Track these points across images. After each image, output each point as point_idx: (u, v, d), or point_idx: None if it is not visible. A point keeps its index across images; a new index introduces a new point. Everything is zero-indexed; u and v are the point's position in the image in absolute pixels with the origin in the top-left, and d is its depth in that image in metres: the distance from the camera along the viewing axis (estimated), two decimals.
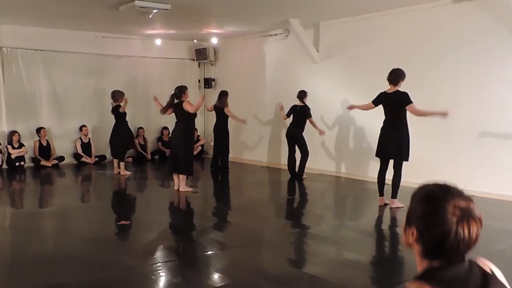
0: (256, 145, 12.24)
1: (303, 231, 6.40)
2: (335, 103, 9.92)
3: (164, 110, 8.43)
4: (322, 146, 10.48)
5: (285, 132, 10.22)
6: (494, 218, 6.56)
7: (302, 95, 9.53)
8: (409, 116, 6.94)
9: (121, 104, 10.26)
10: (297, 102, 9.62)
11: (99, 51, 11.88)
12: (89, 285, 4.27)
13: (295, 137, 9.60)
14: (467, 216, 1.47)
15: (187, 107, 8.15)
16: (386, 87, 7.08)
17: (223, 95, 10.21)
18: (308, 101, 9.53)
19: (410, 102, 6.79)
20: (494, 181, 7.66)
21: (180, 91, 8.28)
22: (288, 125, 9.86)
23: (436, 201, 1.51)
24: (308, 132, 9.69)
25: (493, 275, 1.55)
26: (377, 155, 7.31)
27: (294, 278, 4.59)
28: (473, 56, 7.86)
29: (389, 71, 7.01)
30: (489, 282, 1.52)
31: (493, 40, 7.61)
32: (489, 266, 1.58)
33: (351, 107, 7.79)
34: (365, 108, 7.48)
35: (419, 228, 1.54)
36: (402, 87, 6.99)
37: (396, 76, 6.94)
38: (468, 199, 1.52)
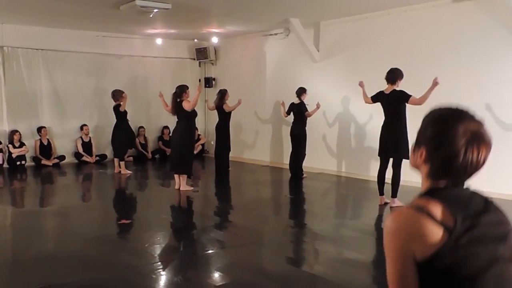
0: (256, 144, 12.25)
1: (303, 230, 6.42)
2: (336, 102, 9.93)
3: (172, 111, 8.44)
4: (322, 145, 10.49)
5: (286, 131, 10.22)
6: None
7: (299, 92, 9.54)
8: (409, 114, 6.95)
9: (121, 103, 10.27)
10: (296, 99, 9.65)
11: (100, 50, 11.89)
12: (89, 284, 4.28)
13: (298, 135, 9.61)
14: (477, 139, 1.49)
15: (185, 105, 8.16)
16: (386, 86, 7.11)
17: (222, 93, 10.22)
18: (308, 100, 9.53)
19: (409, 96, 6.82)
20: (494, 180, 7.66)
21: (181, 90, 8.30)
22: (291, 123, 9.86)
23: (447, 122, 1.53)
24: (310, 132, 9.70)
25: (492, 202, 1.56)
26: (379, 154, 7.34)
27: (295, 277, 4.60)
28: (473, 55, 7.87)
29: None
30: (490, 207, 1.52)
31: (493, 39, 7.61)
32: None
33: (361, 84, 7.72)
34: (365, 97, 7.49)
35: (428, 148, 1.54)
36: (402, 86, 7.01)
37: (394, 75, 6.97)
38: (480, 123, 1.54)
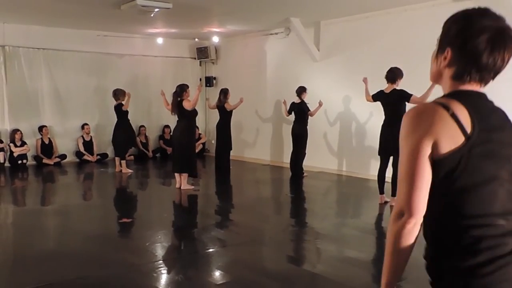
0: (257, 143, 12.27)
1: (304, 228, 6.44)
2: (336, 101, 9.94)
3: (173, 110, 8.46)
4: (323, 144, 10.51)
5: (286, 130, 10.24)
6: None
7: (299, 91, 9.55)
8: None
9: (123, 102, 10.29)
10: (296, 99, 9.67)
11: (101, 49, 11.91)
12: (91, 283, 4.30)
13: (299, 135, 9.62)
14: (501, 34, 1.51)
15: (185, 104, 8.19)
16: (386, 85, 7.12)
17: (223, 93, 10.24)
18: (308, 99, 9.55)
19: (410, 95, 6.83)
20: None
21: (182, 89, 8.32)
22: (292, 122, 9.88)
23: (472, 17, 1.54)
24: (311, 131, 9.72)
25: (510, 122, 1.61)
26: (379, 153, 7.36)
27: (295, 275, 4.62)
28: None
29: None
30: (507, 126, 1.58)
31: None
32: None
33: (365, 81, 7.74)
34: (367, 95, 7.51)
35: (453, 47, 1.55)
36: (403, 85, 7.02)
37: (394, 74, 6.98)
38: (503, 19, 1.56)
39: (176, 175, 8.46)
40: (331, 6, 8.78)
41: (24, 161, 11.02)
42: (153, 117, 12.96)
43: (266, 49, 11.86)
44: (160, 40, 12.55)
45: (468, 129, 1.44)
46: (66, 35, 11.38)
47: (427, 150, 1.44)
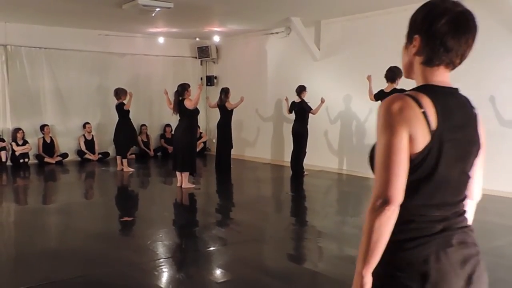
0: (258, 142, 12.30)
1: (304, 227, 6.47)
2: (336, 100, 9.97)
3: (174, 110, 8.48)
4: (324, 143, 10.54)
5: (287, 129, 10.26)
6: (494, 214, 6.63)
7: (299, 90, 9.58)
8: None
9: (124, 101, 10.33)
10: (296, 98, 9.70)
11: (103, 49, 11.95)
12: (92, 281, 4.32)
13: (299, 134, 9.64)
14: (462, 18, 1.64)
15: (187, 104, 8.22)
16: (386, 84, 7.15)
17: (224, 92, 10.26)
18: (308, 98, 9.57)
19: None
20: (494, 178, 7.71)
21: (183, 88, 8.35)
22: (293, 121, 9.90)
23: (433, 3, 1.66)
24: (312, 130, 9.74)
25: (476, 117, 1.72)
26: None
27: (296, 274, 4.64)
28: (473, 54, 7.89)
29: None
30: (471, 124, 1.69)
31: (493, 38, 7.65)
32: (476, 109, 1.74)
33: (369, 78, 7.78)
34: (370, 93, 7.57)
35: (421, 32, 1.67)
36: (403, 84, 7.04)
37: (393, 74, 7.01)
38: (463, 6, 1.66)
39: (177, 173, 8.49)
40: (332, 5, 8.81)
41: (26, 160, 11.06)
42: (155, 116, 13.00)
43: (266, 48, 11.89)
44: (161, 40, 12.58)
45: (434, 127, 1.56)
46: (68, 34, 11.42)
47: (405, 140, 1.54)
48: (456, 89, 1.70)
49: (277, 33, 11.39)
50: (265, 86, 11.94)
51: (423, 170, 1.58)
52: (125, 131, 10.49)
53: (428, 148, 1.56)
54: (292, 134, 9.80)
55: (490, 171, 7.87)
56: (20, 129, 10.99)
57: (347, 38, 9.87)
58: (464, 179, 1.70)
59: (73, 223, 6.55)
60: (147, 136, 12.79)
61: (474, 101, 1.73)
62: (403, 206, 1.57)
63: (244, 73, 12.49)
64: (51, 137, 11.46)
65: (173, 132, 10.44)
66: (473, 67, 7.94)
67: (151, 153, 12.73)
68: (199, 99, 8.45)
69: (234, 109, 10.30)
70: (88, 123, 11.86)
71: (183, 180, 8.41)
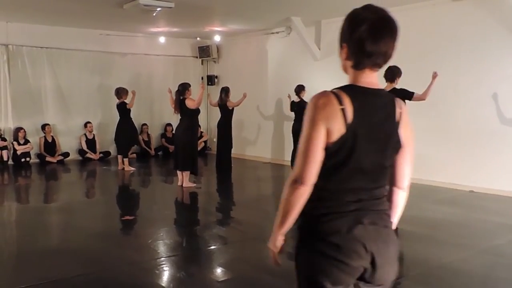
0: (258, 141, 12.32)
1: None
2: None
3: (175, 109, 8.51)
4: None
5: (287, 128, 10.28)
6: (494, 213, 6.66)
7: (297, 90, 9.61)
8: (409, 113, 7.02)
9: (125, 100, 10.36)
10: (296, 98, 9.72)
11: (104, 48, 11.98)
12: (93, 279, 4.33)
13: (299, 133, 9.64)
14: (382, 22, 1.84)
15: (189, 103, 8.25)
16: (386, 84, 7.16)
17: (224, 91, 10.28)
18: (308, 97, 9.58)
19: (412, 93, 6.87)
20: (494, 177, 7.74)
21: (184, 87, 8.38)
22: (293, 121, 9.93)
23: (355, 13, 1.87)
24: None
25: (401, 115, 1.95)
26: None
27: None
28: (473, 53, 7.93)
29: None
30: (389, 125, 1.91)
31: (492, 38, 7.67)
32: (402, 109, 1.97)
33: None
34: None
35: (347, 40, 1.87)
36: (404, 83, 7.06)
37: (392, 73, 7.00)
38: (384, 11, 1.86)
39: (178, 173, 8.52)
40: (332, 5, 8.82)
41: (28, 159, 11.10)
42: (156, 116, 13.03)
43: (267, 48, 11.91)
44: (162, 39, 12.61)
45: (349, 122, 1.80)
46: (69, 34, 11.45)
47: (323, 134, 1.81)
48: (380, 90, 1.93)
49: (277, 32, 11.41)
50: (265, 86, 11.97)
51: (338, 157, 1.83)
52: (126, 131, 10.52)
53: (343, 139, 1.80)
54: (292, 133, 9.82)
55: (491, 170, 7.93)
56: (21, 128, 11.03)
57: None
58: (380, 170, 1.92)
59: (74, 222, 6.57)
60: (148, 135, 12.82)
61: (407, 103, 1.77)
62: (322, 187, 1.86)
63: (245, 73, 12.52)
64: (52, 136, 11.50)
65: (174, 132, 10.47)
66: (473, 67, 7.98)
67: (152, 152, 12.76)
68: (202, 98, 8.50)
69: (235, 109, 10.32)
70: (89, 122, 11.90)
71: (183, 179, 8.44)
